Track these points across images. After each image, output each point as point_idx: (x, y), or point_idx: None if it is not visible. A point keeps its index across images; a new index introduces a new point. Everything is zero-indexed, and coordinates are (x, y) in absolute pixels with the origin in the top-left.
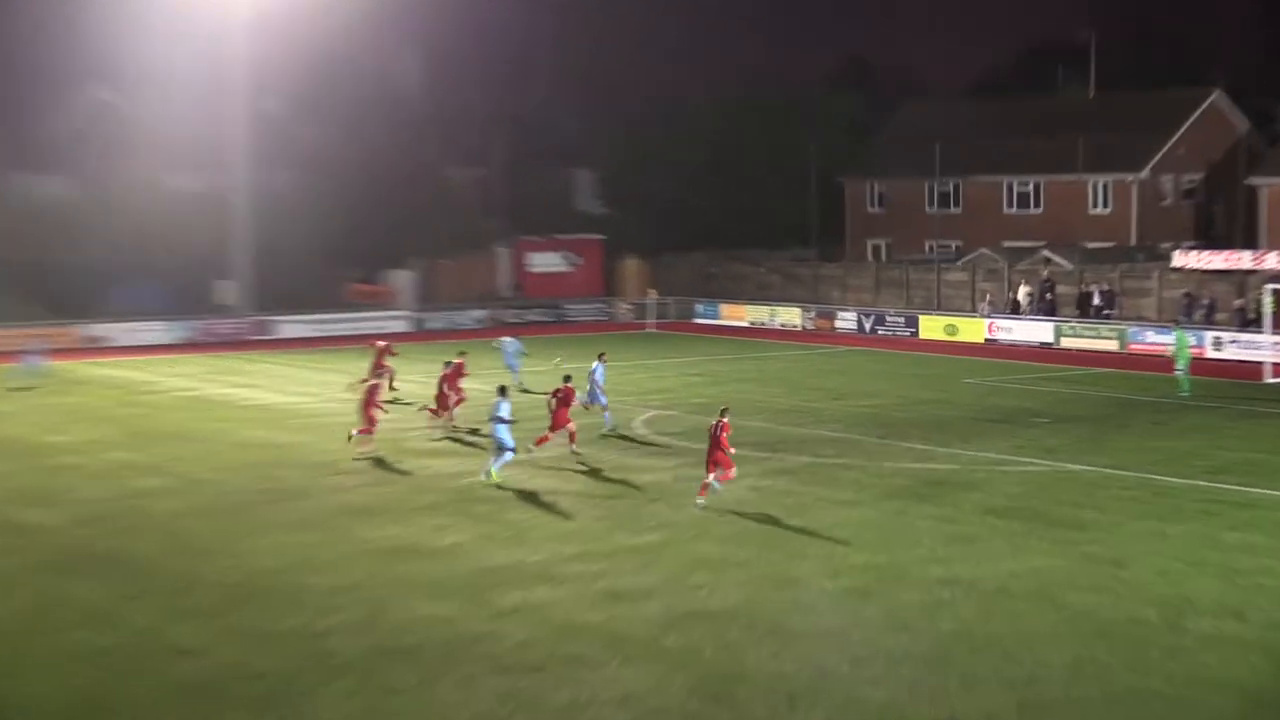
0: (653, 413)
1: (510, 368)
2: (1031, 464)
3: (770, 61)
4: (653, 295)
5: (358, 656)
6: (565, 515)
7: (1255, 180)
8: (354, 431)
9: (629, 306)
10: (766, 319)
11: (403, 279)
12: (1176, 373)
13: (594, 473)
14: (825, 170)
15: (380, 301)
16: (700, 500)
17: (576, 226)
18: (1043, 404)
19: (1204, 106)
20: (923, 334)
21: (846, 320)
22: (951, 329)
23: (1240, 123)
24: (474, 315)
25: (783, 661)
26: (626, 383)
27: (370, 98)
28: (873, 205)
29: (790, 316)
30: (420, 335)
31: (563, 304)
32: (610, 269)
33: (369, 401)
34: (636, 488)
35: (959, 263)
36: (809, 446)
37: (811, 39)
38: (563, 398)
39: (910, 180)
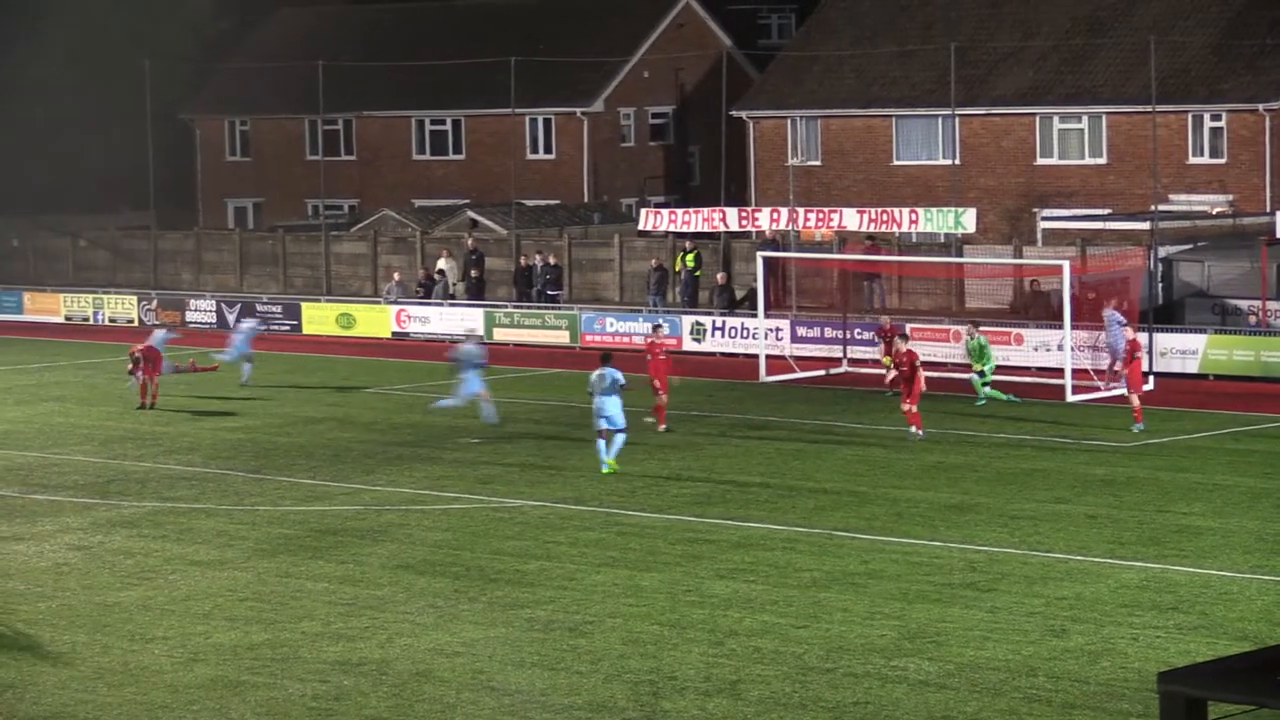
0: None
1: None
2: (460, 501)
3: None
4: None
5: None
6: None
7: (742, 112)
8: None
9: None
10: (92, 312)
11: None
12: (976, 379)
13: None
14: (166, 103)
15: None
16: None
17: None
18: (474, 419)
19: (673, 15)
20: (308, 328)
21: (202, 310)
22: (346, 320)
23: (722, 37)
24: None
25: None
26: None
27: None
28: (234, 152)
29: (123, 307)
30: None
31: None
32: None
33: None
34: None
35: (354, 229)
36: (154, 487)
37: None
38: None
39: (284, 117)
